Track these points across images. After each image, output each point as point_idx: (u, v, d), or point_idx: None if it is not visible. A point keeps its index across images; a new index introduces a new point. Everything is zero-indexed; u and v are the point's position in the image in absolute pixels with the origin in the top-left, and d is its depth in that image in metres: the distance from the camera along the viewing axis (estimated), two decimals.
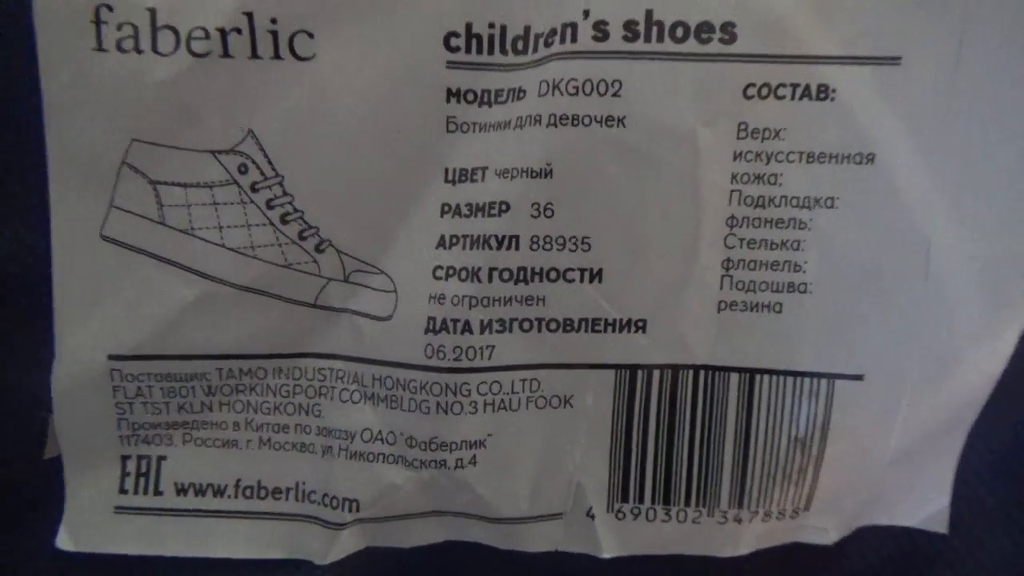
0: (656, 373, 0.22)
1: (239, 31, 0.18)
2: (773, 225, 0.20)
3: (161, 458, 0.22)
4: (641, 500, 0.22)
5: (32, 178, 0.19)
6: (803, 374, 0.21)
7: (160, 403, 0.22)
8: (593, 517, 0.23)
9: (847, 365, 0.21)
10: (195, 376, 0.21)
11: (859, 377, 0.21)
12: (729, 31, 0.19)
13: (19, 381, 0.21)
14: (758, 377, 0.21)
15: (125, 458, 0.22)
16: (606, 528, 0.23)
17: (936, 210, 0.20)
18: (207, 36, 0.18)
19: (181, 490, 0.22)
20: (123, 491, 0.22)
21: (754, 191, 0.20)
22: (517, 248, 0.20)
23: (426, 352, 0.21)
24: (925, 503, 0.23)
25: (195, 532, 0.23)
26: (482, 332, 0.21)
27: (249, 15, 0.18)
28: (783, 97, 0.19)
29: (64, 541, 0.22)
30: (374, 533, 0.22)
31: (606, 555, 0.23)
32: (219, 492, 0.22)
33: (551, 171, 0.20)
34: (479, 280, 0.20)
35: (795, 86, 0.19)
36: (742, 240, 0.20)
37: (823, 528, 0.23)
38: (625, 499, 0.22)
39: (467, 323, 0.21)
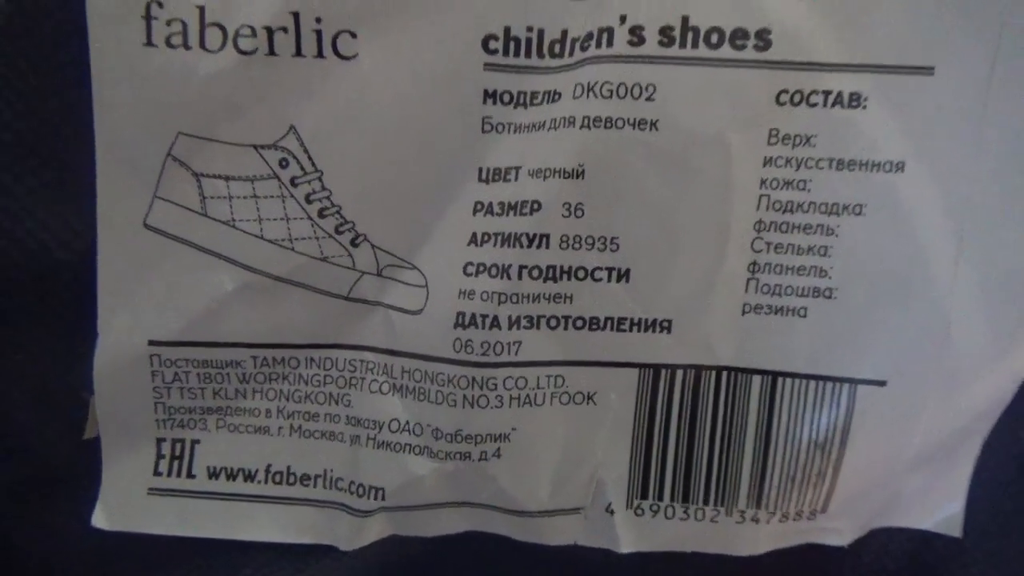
0: (679, 373, 0.21)
1: (285, 30, 0.18)
2: (801, 230, 0.20)
3: (195, 442, 0.22)
4: (660, 498, 0.22)
5: (82, 167, 0.19)
6: (826, 378, 0.21)
7: (196, 388, 0.21)
8: (612, 512, 0.22)
9: (870, 371, 0.20)
10: (230, 363, 0.21)
11: (882, 383, 0.20)
12: (764, 38, 0.18)
13: (63, 362, 0.21)
14: (780, 380, 0.21)
15: (160, 441, 0.22)
16: (625, 524, 0.22)
17: (966, 220, 0.19)
18: (254, 34, 0.18)
19: (213, 474, 0.22)
20: (157, 473, 0.22)
21: (783, 196, 0.19)
22: (547, 247, 0.20)
23: (454, 346, 0.20)
24: (940, 506, 0.22)
25: (225, 515, 0.22)
26: (510, 328, 0.20)
27: (295, 15, 0.18)
28: (815, 104, 0.19)
29: (99, 519, 0.22)
30: (398, 521, 0.22)
31: (624, 550, 0.22)
32: (250, 477, 0.22)
33: (583, 172, 0.19)
34: (509, 277, 0.20)
35: (827, 93, 0.19)
36: (769, 244, 0.20)
37: (838, 529, 0.22)
38: (645, 496, 0.22)
39: (495, 319, 0.20)
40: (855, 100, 0.18)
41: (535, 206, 0.19)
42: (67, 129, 0.19)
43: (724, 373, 0.21)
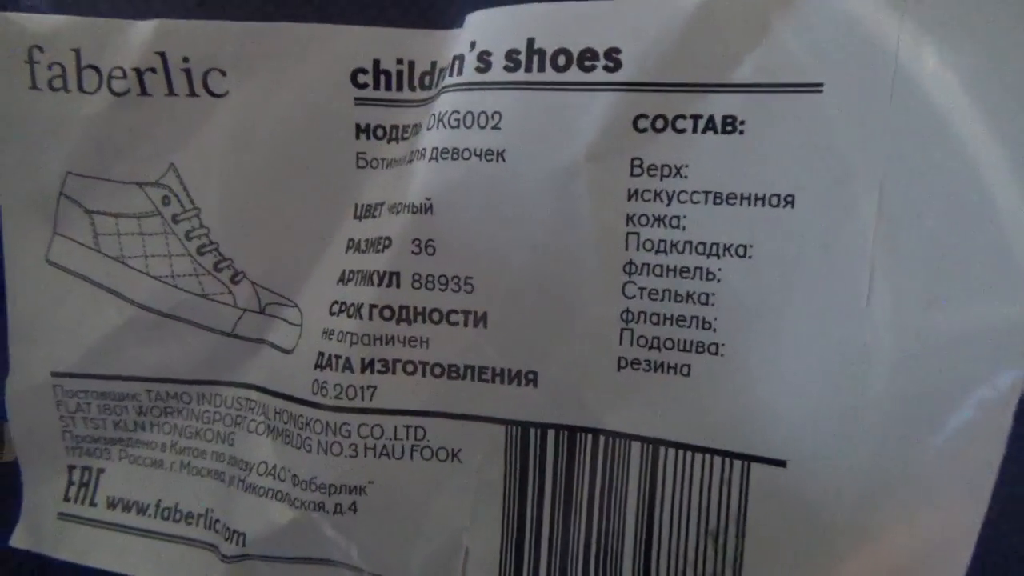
0: (551, 433, 0.15)
1: (154, 70, 0.15)
2: (677, 274, 0.14)
3: (100, 471, 0.19)
4: None
5: None
6: (714, 451, 0.14)
7: (98, 419, 0.19)
8: None
9: (767, 446, 0.14)
10: (127, 396, 0.18)
11: (781, 463, 0.14)
12: (613, 58, 0.13)
13: None
14: (663, 449, 0.15)
15: (71, 468, 0.19)
16: None
17: (872, 265, 0.13)
18: (125, 75, 0.15)
19: (112, 504, 0.19)
20: (67, 499, 0.19)
21: (654, 235, 0.14)
22: (398, 286, 0.15)
23: (312, 388, 0.16)
24: None
25: (116, 547, 0.19)
26: (363, 371, 0.16)
27: (162, 54, 0.15)
28: (683, 130, 0.13)
29: (18, 539, 0.19)
30: (264, 573, 0.17)
31: None
32: (142, 510, 0.19)
33: (431, 207, 0.15)
34: (361, 317, 0.15)
35: (696, 118, 0.13)
36: (643, 290, 0.14)
37: None
38: None
39: (348, 360, 0.16)
40: (730, 124, 0.13)
41: (386, 243, 0.15)
42: None
43: (601, 437, 0.15)
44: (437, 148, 0.16)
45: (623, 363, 0.16)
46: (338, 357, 0.18)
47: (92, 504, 0.21)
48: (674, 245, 0.16)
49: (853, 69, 0.14)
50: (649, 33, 0.15)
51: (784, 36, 0.14)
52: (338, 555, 0.19)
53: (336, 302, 0.18)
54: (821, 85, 0.14)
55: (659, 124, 0.15)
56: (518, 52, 0.15)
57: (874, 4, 0.13)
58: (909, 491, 0.14)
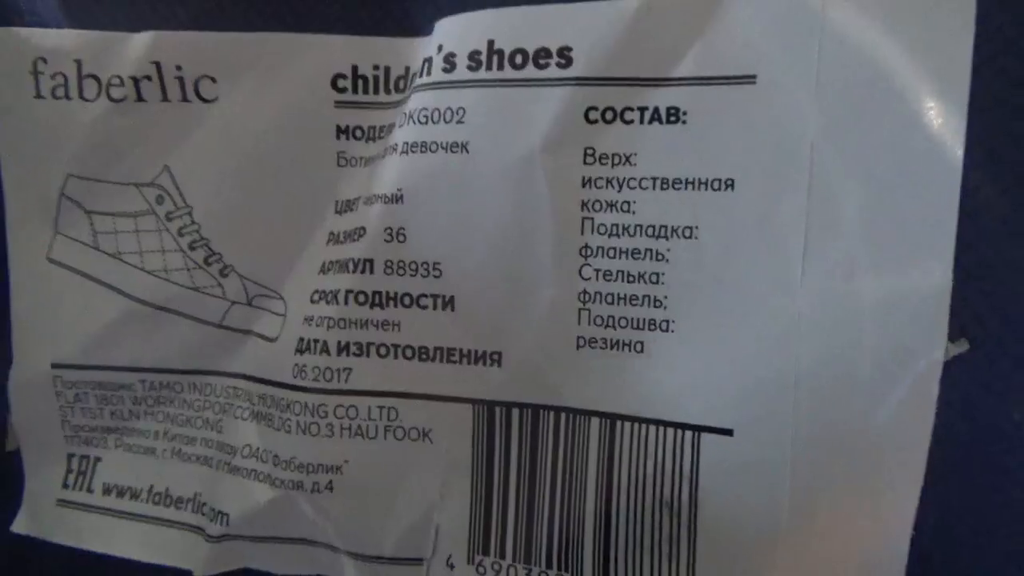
0: (515, 411, 0.16)
1: (149, 78, 0.17)
2: (629, 256, 0.15)
3: (97, 459, 0.20)
4: (502, 555, 0.16)
5: None
6: (667, 424, 0.15)
7: (95, 409, 0.19)
8: (453, 567, 0.16)
9: (716, 417, 0.14)
10: (123, 386, 0.19)
11: (728, 432, 0.14)
12: (565, 55, 0.14)
13: None
14: (619, 423, 0.15)
15: (70, 456, 0.20)
16: None
17: (805, 240, 0.13)
18: (122, 83, 0.16)
19: (107, 490, 0.20)
20: (65, 485, 0.20)
21: (607, 219, 0.15)
22: (372, 272, 0.16)
23: (293, 372, 0.17)
24: None
25: (109, 531, 0.20)
26: (339, 354, 0.16)
27: (157, 64, 0.17)
28: (631, 121, 0.14)
29: (19, 525, 0.20)
30: (247, 552, 0.18)
31: None
32: (135, 496, 0.19)
33: (402, 196, 0.16)
34: (337, 302, 0.16)
35: (643, 110, 0.14)
36: (598, 271, 0.15)
37: None
38: (486, 551, 0.16)
39: (325, 344, 0.16)
40: (673, 115, 0.14)
41: (361, 232, 0.16)
42: None
43: (563, 414, 0.15)
44: (408, 142, 0.17)
45: (582, 342, 0.17)
46: (316, 341, 0.18)
47: (89, 491, 0.22)
48: (626, 228, 0.16)
49: (781, 61, 0.15)
50: (597, 33, 0.16)
51: (718, 34, 0.15)
52: (316, 534, 0.19)
53: (317, 291, 0.19)
54: (754, 77, 0.15)
55: (608, 116, 0.16)
56: (479, 53, 0.17)
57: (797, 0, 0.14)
58: (850, 459, 0.15)
